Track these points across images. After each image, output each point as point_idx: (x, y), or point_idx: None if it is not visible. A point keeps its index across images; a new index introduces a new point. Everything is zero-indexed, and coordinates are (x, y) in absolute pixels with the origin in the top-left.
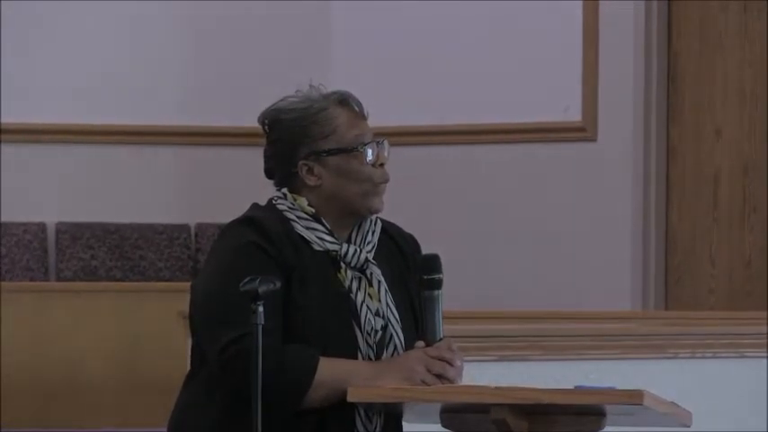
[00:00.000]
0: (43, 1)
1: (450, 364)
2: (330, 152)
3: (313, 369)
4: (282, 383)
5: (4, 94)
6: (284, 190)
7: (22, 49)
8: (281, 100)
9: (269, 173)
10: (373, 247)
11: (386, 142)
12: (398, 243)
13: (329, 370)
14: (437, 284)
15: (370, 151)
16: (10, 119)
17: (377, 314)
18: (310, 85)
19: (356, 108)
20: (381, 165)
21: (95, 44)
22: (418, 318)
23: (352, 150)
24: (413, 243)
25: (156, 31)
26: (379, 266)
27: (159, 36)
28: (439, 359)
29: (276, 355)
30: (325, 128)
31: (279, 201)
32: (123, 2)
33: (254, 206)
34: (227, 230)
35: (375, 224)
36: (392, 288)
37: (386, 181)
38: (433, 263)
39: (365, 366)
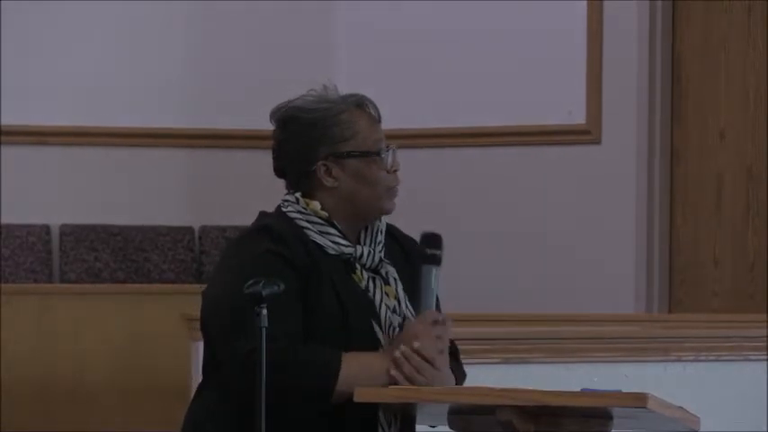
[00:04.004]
0: (44, 1)
1: (441, 322)
2: (351, 155)
3: (336, 369)
4: (307, 385)
5: (8, 95)
6: (297, 194)
7: (25, 48)
8: (297, 98)
9: (280, 171)
10: (383, 247)
11: (396, 150)
12: (402, 244)
13: (349, 368)
14: (437, 260)
15: (381, 156)
16: (13, 120)
17: (394, 311)
18: (324, 86)
19: (373, 113)
20: (395, 171)
21: (99, 45)
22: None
23: (373, 155)
24: (414, 244)
25: (160, 33)
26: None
27: (163, 37)
28: (433, 323)
29: (298, 358)
30: (345, 130)
31: (289, 207)
32: (126, 2)
33: (263, 214)
34: (243, 239)
35: (381, 223)
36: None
37: (396, 185)
38: (436, 240)
39: (379, 360)
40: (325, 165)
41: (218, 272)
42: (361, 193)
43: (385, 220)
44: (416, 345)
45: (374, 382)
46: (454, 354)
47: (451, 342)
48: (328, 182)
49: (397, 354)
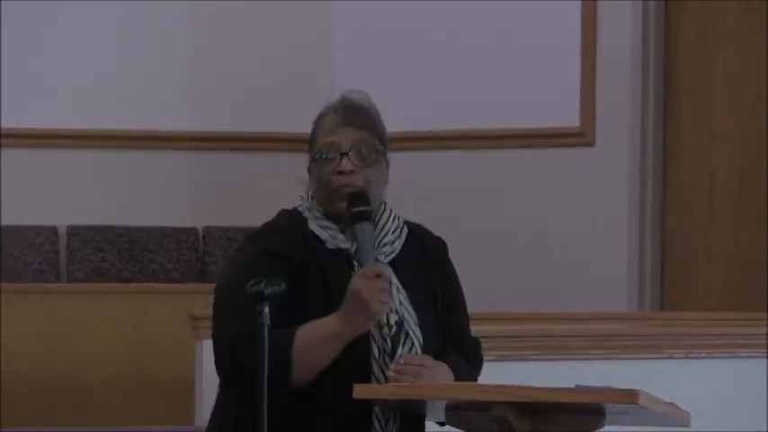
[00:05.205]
0: (45, 1)
1: (379, 275)
2: (311, 159)
3: (290, 340)
4: (270, 361)
5: (13, 98)
6: (309, 191)
7: (26, 49)
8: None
9: None
10: (393, 250)
11: (353, 151)
12: (425, 245)
13: (303, 334)
14: (365, 216)
15: (327, 159)
16: (21, 123)
17: (390, 310)
18: (359, 91)
19: (343, 115)
20: (341, 172)
21: (99, 45)
22: (441, 317)
23: (314, 159)
24: (440, 245)
25: (160, 33)
26: (404, 268)
27: (163, 37)
28: (373, 275)
29: (252, 348)
30: (314, 134)
31: (300, 202)
32: (126, 2)
33: (281, 212)
34: (249, 238)
35: (401, 230)
36: (417, 289)
37: (343, 186)
38: (360, 197)
39: (332, 321)
40: (309, 168)
41: (224, 270)
42: (318, 194)
43: (406, 223)
44: (402, 360)
45: (327, 347)
46: (469, 357)
47: (474, 344)
48: (309, 183)
49: (391, 373)
